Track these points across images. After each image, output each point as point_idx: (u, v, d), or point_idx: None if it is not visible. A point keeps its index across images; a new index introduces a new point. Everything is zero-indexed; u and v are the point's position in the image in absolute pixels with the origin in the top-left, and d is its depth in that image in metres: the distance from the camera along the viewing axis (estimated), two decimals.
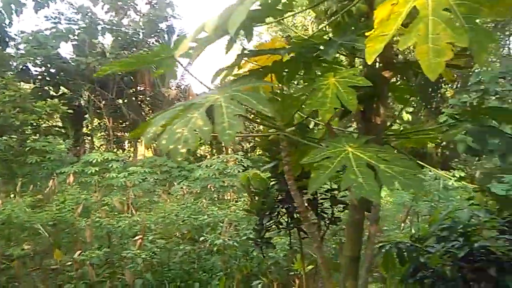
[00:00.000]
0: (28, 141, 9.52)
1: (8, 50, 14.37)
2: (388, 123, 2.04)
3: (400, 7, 0.93)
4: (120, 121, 17.67)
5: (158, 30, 15.98)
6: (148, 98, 17.08)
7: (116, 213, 5.77)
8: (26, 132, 10.09)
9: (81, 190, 6.98)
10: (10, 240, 5.36)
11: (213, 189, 8.32)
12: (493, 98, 15.04)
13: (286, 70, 1.68)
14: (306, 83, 1.57)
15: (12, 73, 13.40)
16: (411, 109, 17.22)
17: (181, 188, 8.42)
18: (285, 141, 1.65)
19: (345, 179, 1.08)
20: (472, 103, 14.58)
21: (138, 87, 16.94)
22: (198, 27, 1.18)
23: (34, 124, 10.64)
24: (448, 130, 1.40)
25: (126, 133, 18.54)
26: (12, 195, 7.90)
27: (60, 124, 15.96)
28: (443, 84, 18.82)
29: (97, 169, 8.45)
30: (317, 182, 1.11)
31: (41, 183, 8.95)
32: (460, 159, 17.26)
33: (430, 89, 19.46)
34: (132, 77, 16.07)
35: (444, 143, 17.91)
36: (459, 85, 18.60)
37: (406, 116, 16.75)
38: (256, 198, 3.39)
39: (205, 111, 1.03)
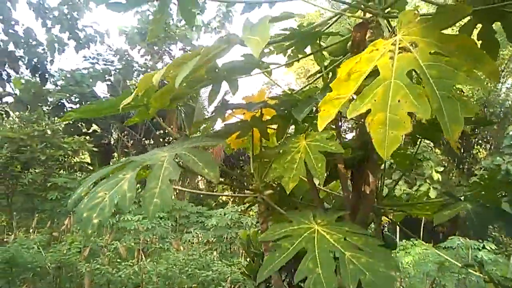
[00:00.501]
0: (52, 177, 9.71)
1: (48, 86, 15.24)
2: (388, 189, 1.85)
3: (362, 66, 0.80)
4: None
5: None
6: (174, 140, 17.37)
7: (120, 260, 5.60)
8: (52, 167, 10.33)
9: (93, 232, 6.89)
10: (11, 281, 5.25)
11: (224, 240, 8.03)
12: None
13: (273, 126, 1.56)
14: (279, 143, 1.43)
15: (48, 108, 14.10)
16: (441, 169, 16.53)
17: (193, 237, 8.18)
18: (262, 205, 1.49)
19: (301, 268, 0.89)
20: (500, 169, 13.85)
21: (166, 129, 17.31)
22: (157, 76, 1.08)
23: (60, 159, 10.92)
24: (442, 209, 1.18)
25: None
26: (30, 231, 7.92)
27: (88, 160, 16.39)
28: (475, 145, 18.14)
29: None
30: (270, 269, 0.92)
31: (58, 220, 8.97)
32: (495, 226, 16.13)
33: (462, 149, 18.78)
34: (162, 118, 16.51)
35: None
36: (492, 147, 17.85)
37: (436, 176, 16.06)
38: (255, 260, 3.15)
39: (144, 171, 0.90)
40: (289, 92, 1.54)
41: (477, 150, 17.99)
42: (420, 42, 0.79)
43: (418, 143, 1.63)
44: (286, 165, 1.08)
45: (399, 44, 0.79)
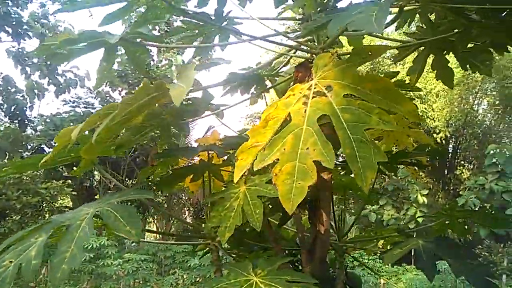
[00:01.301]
0: (28, 225, 9.37)
1: (27, 132, 15.03)
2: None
3: (278, 112, 0.77)
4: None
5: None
6: (158, 179, 17.10)
7: None
8: (29, 214, 9.99)
9: (70, 280, 6.59)
10: None
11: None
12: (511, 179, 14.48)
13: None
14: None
15: (27, 154, 13.82)
16: (426, 191, 16.62)
17: (176, 279, 7.89)
18: (215, 253, 1.42)
19: None
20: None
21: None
22: (75, 131, 1.03)
23: (38, 206, 10.58)
24: (392, 248, 1.14)
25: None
26: None
27: (70, 204, 15.94)
28: (458, 166, 18.40)
29: (92, 255, 8.08)
30: None
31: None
32: (484, 246, 16.07)
33: (446, 171, 19.01)
34: (144, 158, 16.33)
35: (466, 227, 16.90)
36: (475, 167, 18.14)
37: (422, 199, 16.11)
38: None
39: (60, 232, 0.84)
40: (237, 133, 1.51)
41: (460, 171, 18.23)
42: (335, 85, 0.77)
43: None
44: (224, 213, 1.03)
45: (315, 88, 0.78)
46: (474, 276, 0.94)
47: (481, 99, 17.16)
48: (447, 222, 1.68)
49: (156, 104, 1.48)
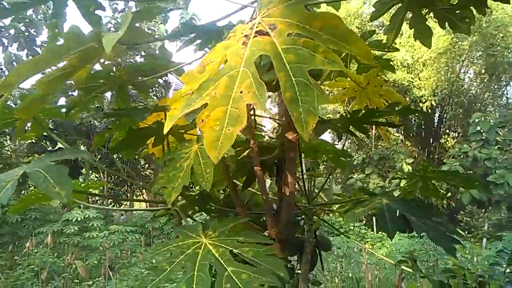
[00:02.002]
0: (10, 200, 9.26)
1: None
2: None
3: (216, 55, 0.68)
4: (117, 176, 17.47)
5: (157, 85, 16.24)
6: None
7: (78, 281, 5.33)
8: None
9: (54, 253, 6.57)
10: None
11: None
12: (495, 147, 14.75)
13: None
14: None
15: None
16: (411, 160, 16.86)
17: None
18: (176, 218, 1.36)
19: None
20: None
21: None
22: None
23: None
24: (355, 206, 1.09)
25: (123, 188, 18.26)
26: None
27: None
28: (443, 134, 18.63)
29: (76, 228, 8.05)
30: None
31: (20, 243, 8.55)
32: (466, 211, 16.55)
33: (431, 140, 19.25)
34: None
35: (449, 194, 17.36)
36: (460, 135, 18.39)
37: (407, 168, 16.37)
38: None
39: None
40: None
41: (445, 140, 18.46)
42: (280, 24, 0.68)
43: (344, 137, 1.54)
44: (172, 173, 0.95)
45: (257, 27, 0.69)
46: (436, 233, 0.90)
47: (467, 68, 17.17)
48: (420, 183, 1.64)
49: (105, 61, 1.37)
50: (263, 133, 1.79)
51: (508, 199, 14.01)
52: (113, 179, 17.67)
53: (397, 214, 1.02)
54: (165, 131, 0.64)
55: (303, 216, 1.59)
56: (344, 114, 1.46)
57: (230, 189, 1.39)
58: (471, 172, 14.98)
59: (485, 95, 17.90)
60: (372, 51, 2.14)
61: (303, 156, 1.94)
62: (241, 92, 0.59)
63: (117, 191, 17.98)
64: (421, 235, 0.91)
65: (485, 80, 17.06)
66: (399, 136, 17.93)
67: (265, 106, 0.57)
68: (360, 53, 0.66)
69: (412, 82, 16.05)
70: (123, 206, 18.84)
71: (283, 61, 0.63)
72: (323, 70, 1.09)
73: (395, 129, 19.79)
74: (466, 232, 15.84)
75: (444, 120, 18.93)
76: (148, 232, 11.32)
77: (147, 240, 10.64)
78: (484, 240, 15.07)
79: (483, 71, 16.53)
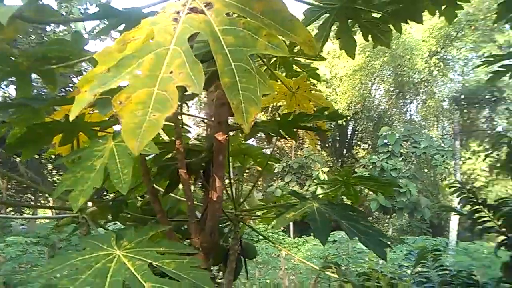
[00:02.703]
0: None
1: None
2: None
3: (141, 32, 0.57)
4: (19, 182, 15.67)
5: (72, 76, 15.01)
6: (52, 156, 15.50)
7: None
8: None
9: None
10: None
11: None
12: (400, 159, 16.27)
13: None
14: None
15: None
16: (327, 169, 17.87)
17: None
18: (84, 227, 1.18)
19: None
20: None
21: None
22: None
23: None
24: (286, 211, 1.04)
25: (26, 195, 16.43)
26: None
27: None
28: (354, 145, 20.07)
29: None
30: None
31: None
32: (373, 217, 17.98)
33: (344, 150, 20.62)
34: None
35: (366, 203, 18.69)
36: (370, 147, 19.97)
37: (323, 176, 17.30)
38: None
39: None
40: None
41: (357, 150, 19.93)
42: (217, 3, 0.60)
43: (274, 141, 1.51)
44: (81, 174, 0.80)
45: (191, 4, 0.59)
46: (368, 237, 0.88)
47: (378, 85, 18.79)
48: (342, 188, 1.66)
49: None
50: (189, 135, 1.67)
51: (409, 206, 15.52)
52: (14, 186, 15.82)
53: (328, 218, 0.99)
54: (71, 118, 0.51)
55: (228, 223, 1.51)
56: (273, 117, 1.43)
57: (150, 194, 1.26)
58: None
59: (392, 111, 19.73)
60: (299, 59, 2.15)
61: (231, 160, 1.86)
62: (171, 72, 0.49)
63: (18, 199, 16.10)
64: (352, 239, 0.89)
65: (393, 97, 18.82)
66: (316, 146, 18.90)
67: (200, 88, 0.48)
68: (304, 42, 0.61)
69: (330, 96, 17.07)
70: (25, 214, 16.90)
71: (221, 42, 0.55)
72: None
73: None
74: None
75: (356, 132, 20.45)
76: (54, 243, 10.28)
77: (52, 252, 9.65)
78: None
79: (391, 89, 18.25)
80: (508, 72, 2.94)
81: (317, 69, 2.28)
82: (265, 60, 2.11)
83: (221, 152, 1.21)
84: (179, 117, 1.27)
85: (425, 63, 15.69)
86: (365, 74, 16.34)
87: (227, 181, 1.48)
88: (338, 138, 21.15)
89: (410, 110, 20.37)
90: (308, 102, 1.55)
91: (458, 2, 2.68)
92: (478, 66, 2.94)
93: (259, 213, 1.55)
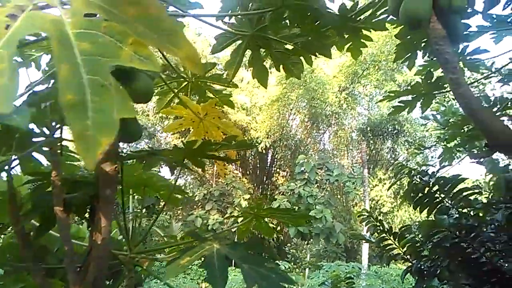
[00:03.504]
0: None
1: None
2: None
3: None
4: None
5: None
6: None
7: None
8: None
9: None
10: None
11: None
12: (315, 186, 16.99)
13: None
14: None
15: None
16: (248, 196, 17.95)
17: None
18: None
19: None
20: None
21: None
22: None
23: None
24: (181, 255, 0.90)
25: None
26: None
27: None
28: (274, 173, 20.56)
29: None
30: None
31: None
32: (292, 244, 18.36)
33: (264, 178, 20.99)
34: None
35: (278, 228, 18.98)
36: (288, 174, 20.60)
37: (244, 203, 17.31)
38: None
39: None
40: None
41: (276, 178, 20.41)
42: (76, 1, 0.47)
43: (177, 172, 1.37)
44: None
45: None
46: (269, 283, 0.78)
47: (295, 115, 19.71)
48: (254, 221, 1.58)
49: None
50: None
51: (325, 231, 16.16)
52: None
53: (227, 262, 0.88)
54: None
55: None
56: (178, 147, 1.30)
57: (18, 236, 1.02)
58: (296, 207, 16.85)
59: (308, 140, 20.77)
60: (213, 84, 2.07)
61: (131, 192, 1.67)
62: None
63: None
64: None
65: (308, 128, 19.86)
66: (237, 174, 18.97)
67: (10, 107, 0.34)
68: (186, 57, 0.50)
69: (250, 124, 17.42)
70: None
71: (73, 49, 0.42)
72: (149, 84, 0.90)
73: (234, 166, 20.92)
74: (292, 264, 17.46)
75: (275, 160, 21.03)
76: None
77: None
78: (307, 270, 16.87)
79: (306, 119, 19.25)
80: (407, 107, 3.20)
81: (231, 95, 2.21)
82: (175, 82, 1.99)
83: (108, 185, 1.03)
84: (60, 143, 1.07)
85: (336, 97, 16.93)
86: (283, 104, 17.06)
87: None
88: (258, 165, 21.53)
89: (324, 140, 21.65)
90: (217, 130, 1.45)
91: (362, 40, 2.86)
92: (380, 101, 3.15)
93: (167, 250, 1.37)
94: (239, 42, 1.95)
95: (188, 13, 1.26)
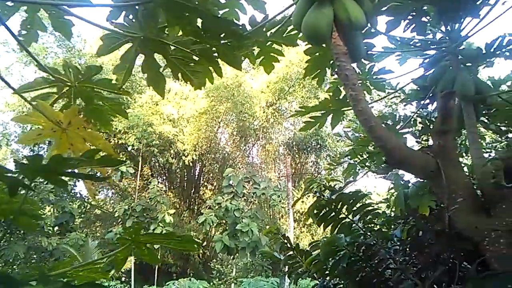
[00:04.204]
0: None
1: None
2: None
3: None
4: None
5: None
6: None
7: None
8: None
9: None
10: None
11: None
12: (242, 199, 16.95)
13: None
14: None
15: None
16: (173, 211, 17.31)
17: None
18: None
19: None
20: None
21: None
22: None
23: None
24: None
25: None
26: None
27: None
28: (201, 187, 20.18)
29: None
30: None
31: None
32: (218, 259, 18.03)
33: (191, 192, 20.49)
34: None
35: (204, 243, 18.56)
36: (216, 188, 20.35)
37: (169, 218, 16.64)
38: None
39: None
40: None
41: (204, 191, 20.03)
42: None
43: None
44: None
45: None
46: None
47: (224, 129, 19.65)
48: (133, 248, 1.39)
49: None
50: None
51: (251, 244, 16.07)
52: None
53: None
54: None
55: None
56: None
57: None
58: (224, 221, 16.61)
59: (236, 153, 20.78)
60: (101, 90, 1.83)
61: None
62: None
63: None
64: None
65: (237, 141, 19.90)
66: (162, 187, 18.24)
67: None
68: None
69: (177, 136, 16.95)
70: None
71: None
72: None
73: (159, 179, 20.11)
74: (217, 280, 17.12)
75: (203, 173, 20.68)
76: None
77: None
78: (233, 285, 16.64)
79: (235, 133, 19.28)
80: (317, 123, 3.22)
81: (122, 104, 1.99)
82: (54, 86, 1.72)
83: None
84: None
85: (263, 112, 17.23)
86: (211, 117, 16.90)
87: None
88: (186, 178, 20.97)
89: (252, 154, 21.86)
90: (83, 142, 1.24)
91: (272, 54, 2.82)
92: (291, 116, 3.13)
93: None
94: (129, 45, 1.76)
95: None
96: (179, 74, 1.94)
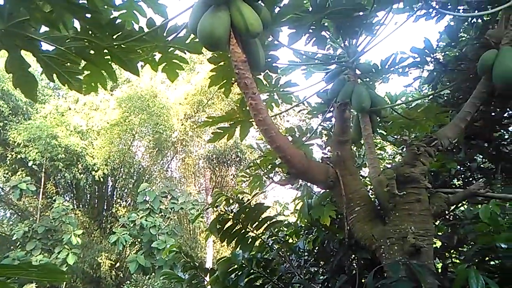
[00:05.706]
0: None
1: None
2: None
3: None
4: None
5: None
6: None
7: None
8: None
9: None
10: None
11: None
12: (159, 215, 16.21)
13: None
14: None
15: None
16: (81, 231, 15.88)
17: None
18: None
19: None
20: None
21: None
22: None
23: None
24: None
25: None
26: None
27: None
28: (114, 203, 18.90)
29: None
30: None
31: None
32: (132, 280, 16.90)
33: (103, 210, 19.07)
34: None
35: (118, 264, 17.32)
36: (131, 205, 19.22)
37: (76, 240, 15.21)
38: None
39: None
40: None
41: (117, 209, 18.74)
42: None
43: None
44: None
45: None
46: None
47: (139, 141, 18.71)
48: None
49: None
50: None
51: (169, 263, 15.36)
52: None
53: None
54: None
55: None
56: None
57: None
58: (138, 240, 15.65)
59: (153, 167, 19.91)
60: None
61: None
62: None
63: None
64: None
65: (153, 154, 19.08)
66: (69, 206, 16.65)
67: None
68: None
69: (86, 149, 15.69)
70: None
71: None
72: None
73: (65, 196, 18.34)
74: None
75: (116, 189, 19.41)
76: None
77: None
78: None
79: (151, 145, 18.48)
80: (225, 134, 3.11)
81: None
82: None
83: None
84: None
85: (182, 125, 16.81)
86: (124, 129, 15.97)
87: None
88: (96, 195, 19.46)
89: (171, 167, 21.16)
90: None
91: (175, 61, 2.65)
92: (198, 126, 2.98)
93: None
94: None
95: None
96: (54, 75, 1.68)
